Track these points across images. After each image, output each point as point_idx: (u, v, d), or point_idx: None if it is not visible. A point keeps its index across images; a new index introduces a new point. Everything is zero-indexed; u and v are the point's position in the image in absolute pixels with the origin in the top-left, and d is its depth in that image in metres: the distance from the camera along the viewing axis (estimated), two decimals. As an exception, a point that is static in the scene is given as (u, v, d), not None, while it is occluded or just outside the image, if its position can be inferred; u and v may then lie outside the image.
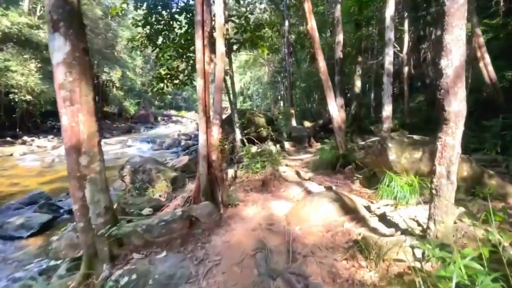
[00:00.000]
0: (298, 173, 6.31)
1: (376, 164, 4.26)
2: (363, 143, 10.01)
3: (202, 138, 3.37)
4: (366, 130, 12.74)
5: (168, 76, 9.95)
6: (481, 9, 12.67)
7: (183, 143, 17.86)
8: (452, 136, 1.98)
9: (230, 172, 6.77)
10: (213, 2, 3.71)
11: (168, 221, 2.69)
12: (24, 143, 18.11)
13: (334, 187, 4.69)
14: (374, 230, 2.89)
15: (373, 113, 17.90)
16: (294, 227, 3.05)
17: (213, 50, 3.45)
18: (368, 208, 3.49)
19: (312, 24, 6.18)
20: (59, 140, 19.81)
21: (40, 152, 16.63)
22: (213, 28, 3.53)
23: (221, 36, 3.28)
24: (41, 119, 22.22)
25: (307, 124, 15.24)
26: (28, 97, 15.33)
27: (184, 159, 7.88)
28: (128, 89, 31.19)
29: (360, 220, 3.07)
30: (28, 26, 15.23)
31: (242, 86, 46.08)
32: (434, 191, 2.20)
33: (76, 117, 2.25)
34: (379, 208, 3.53)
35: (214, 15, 3.62)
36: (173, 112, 45.17)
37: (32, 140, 18.71)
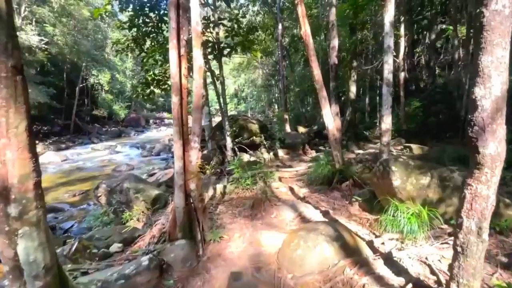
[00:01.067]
0: (292, 190, 5.85)
1: (378, 188, 3.82)
2: (359, 151, 9.63)
3: (178, 165, 2.87)
4: (362, 137, 12.38)
5: (155, 81, 9.39)
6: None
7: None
8: (487, 185, 1.54)
9: (219, 187, 6.29)
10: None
11: (131, 275, 2.19)
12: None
13: (331, 211, 4.24)
14: (380, 280, 2.43)
15: (367, 118, 17.63)
16: (285, 274, 2.58)
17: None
18: (371, 245, 3.04)
19: (306, 29, 5.74)
20: (44, 145, 19.02)
21: (23, 159, 15.87)
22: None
23: (198, 46, 2.78)
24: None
25: (301, 129, 14.82)
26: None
27: (170, 171, 7.34)
28: (118, 92, 30.38)
29: (363, 264, 2.61)
30: (9, 27, 14.42)
31: (237, 89, 45.59)
32: (459, 249, 1.75)
33: (3, 156, 1.74)
34: (383, 243, 3.08)
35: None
36: (165, 114, 44.39)
37: (15, 146, 17.83)
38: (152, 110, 43.94)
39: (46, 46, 17.10)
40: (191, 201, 2.98)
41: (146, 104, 40.38)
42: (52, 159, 15.31)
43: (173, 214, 2.99)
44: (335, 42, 9.16)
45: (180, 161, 2.87)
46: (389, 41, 5.29)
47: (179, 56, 2.76)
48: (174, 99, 2.78)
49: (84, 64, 23.55)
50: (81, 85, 24.17)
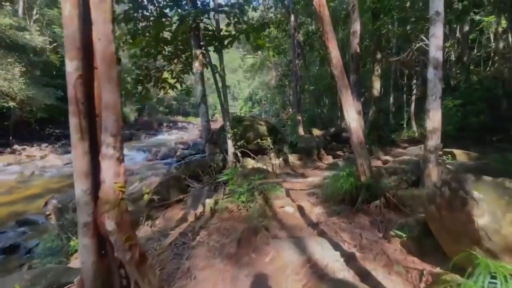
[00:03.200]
0: (301, 210, 4.41)
1: (439, 223, 2.31)
2: (387, 158, 7.98)
3: (80, 188, 1.55)
4: (388, 141, 10.64)
5: (148, 78, 8.28)
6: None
7: (179, 152, 16.29)
8: None
9: (209, 202, 4.96)
10: None
11: None
12: (13, 152, 17.04)
13: (358, 254, 2.77)
14: None
15: (392, 119, 15.74)
16: None
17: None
18: None
19: (320, -3, 4.33)
20: (52, 148, 18.72)
21: (27, 162, 15.44)
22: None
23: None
24: (39, 126, 21.29)
25: (316, 132, 13.24)
26: (12, 104, 14.11)
27: (154, 181, 6.12)
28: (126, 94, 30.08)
29: None
30: (14, 28, 14.12)
31: (251, 92, 44.62)
32: None
33: None
34: None
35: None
36: (179, 118, 44.29)
37: (23, 149, 17.66)
38: (167, 114, 43.86)
39: (49, 46, 16.71)
40: (110, 250, 1.67)
41: (159, 108, 40.18)
42: (53, 162, 14.75)
43: (80, 275, 1.69)
44: (356, 27, 7.67)
45: (85, 180, 1.55)
46: (438, 5, 3.77)
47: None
48: (69, 67, 1.47)
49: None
50: (92, 88, 23.95)
